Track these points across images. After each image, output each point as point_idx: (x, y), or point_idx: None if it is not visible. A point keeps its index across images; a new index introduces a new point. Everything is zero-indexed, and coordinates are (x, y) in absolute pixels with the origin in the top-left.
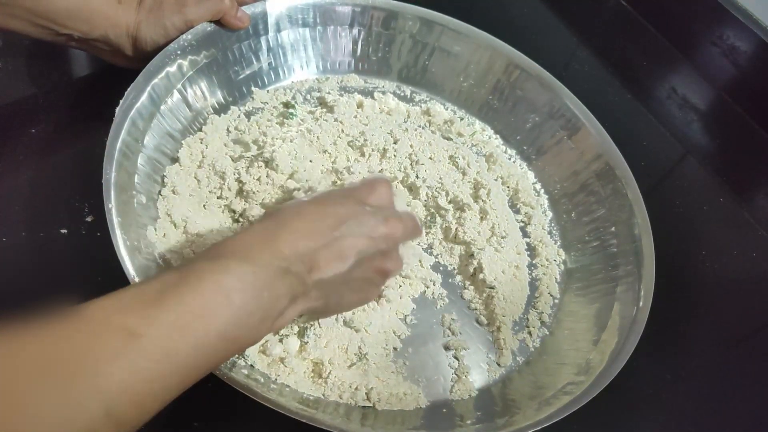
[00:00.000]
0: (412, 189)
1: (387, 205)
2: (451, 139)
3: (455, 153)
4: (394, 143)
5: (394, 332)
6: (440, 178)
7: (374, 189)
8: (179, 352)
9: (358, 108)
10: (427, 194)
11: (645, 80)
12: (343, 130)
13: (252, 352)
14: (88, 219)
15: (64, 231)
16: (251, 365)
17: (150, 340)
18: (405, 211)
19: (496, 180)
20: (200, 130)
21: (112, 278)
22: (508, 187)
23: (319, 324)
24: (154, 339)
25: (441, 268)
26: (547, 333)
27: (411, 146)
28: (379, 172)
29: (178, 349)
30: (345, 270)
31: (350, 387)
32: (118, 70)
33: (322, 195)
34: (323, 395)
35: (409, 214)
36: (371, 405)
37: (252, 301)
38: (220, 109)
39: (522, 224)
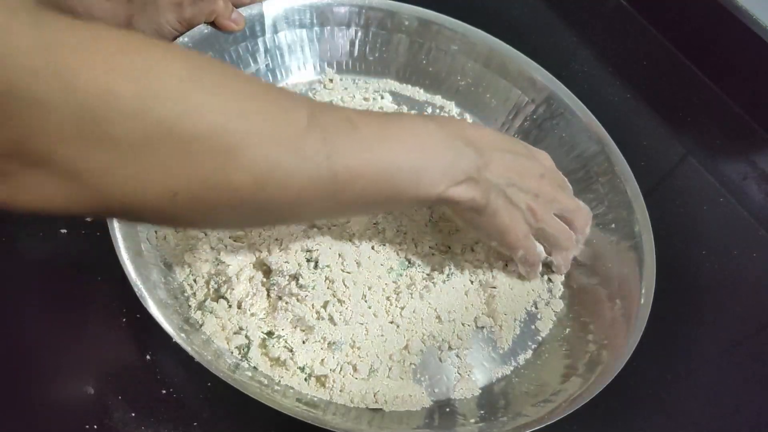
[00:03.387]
0: None
1: (550, 172)
2: None
3: None
4: None
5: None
6: None
7: (544, 155)
8: (381, 155)
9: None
10: None
11: (645, 80)
12: None
13: (255, 354)
14: (88, 219)
15: (63, 231)
16: (254, 367)
17: (363, 132)
18: (570, 195)
19: None
20: None
21: (112, 279)
22: None
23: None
24: (366, 133)
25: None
26: (548, 332)
27: None
28: None
29: (380, 153)
30: (507, 180)
31: (358, 391)
32: None
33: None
34: (330, 398)
35: (575, 199)
36: (379, 407)
37: (440, 155)
38: None
39: None
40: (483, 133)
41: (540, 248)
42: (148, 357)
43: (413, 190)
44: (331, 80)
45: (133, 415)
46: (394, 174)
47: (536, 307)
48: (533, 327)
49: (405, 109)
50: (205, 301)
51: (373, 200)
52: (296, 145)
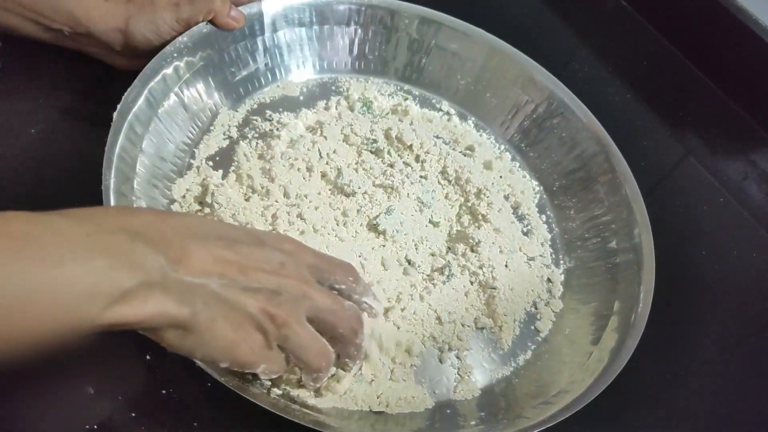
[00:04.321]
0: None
1: (295, 258)
2: (447, 143)
3: (452, 155)
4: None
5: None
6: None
7: (282, 237)
8: None
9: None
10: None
11: (645, 80)
12: (352, 130)
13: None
14: None
15: None
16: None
17: None
18: (329, 291)
19: (493, 182)
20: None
21: None
22: (509, 185)
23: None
24: None
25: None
26: (548, 332)
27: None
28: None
29: None
30: (220, 278)
31: (361, 393)
32: (116, 73)
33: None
34: (332, 401)
35: (336, 298)
36: (382, 410)
37: (76, 266)
38: (222, 109)
39: (520, 223)
40: (171, 221)
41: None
42: (148, 357)
43: (36, 330)
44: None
45: (133, 415)
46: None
47: (536, 308)
48: (533, 328)
49: (412, 104)
50: None
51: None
52: None
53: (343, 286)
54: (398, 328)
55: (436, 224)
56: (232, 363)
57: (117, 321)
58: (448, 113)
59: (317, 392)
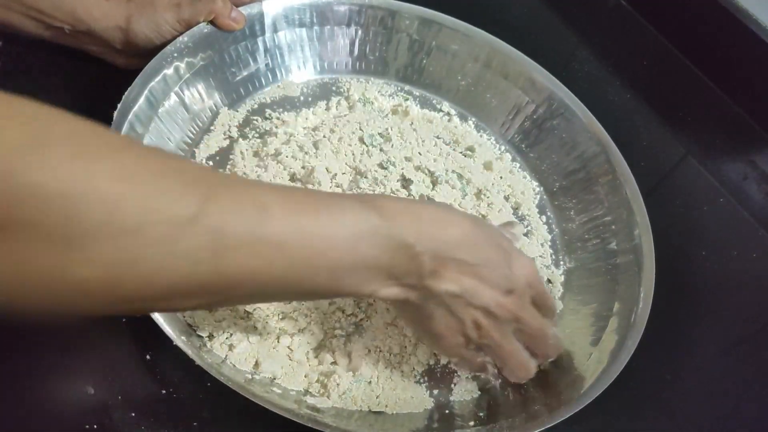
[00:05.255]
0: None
1: (524, 287)
2: (447, 143)
3: (452, 155)
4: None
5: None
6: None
7: (524, 263)
8: (293, 253)
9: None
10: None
11: (645, 80)
12: (360, 127)
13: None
14: None
15: None
16: (254, 369)
17: (277, 221)
18: (540, 317)
19: (493, 182)
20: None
21: None
22: (509, 186)
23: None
24: (279, 224)
25: None
26: None
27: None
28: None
29: (293, 250)
30: (453, 292)
31: (360, 393)
32: (116, 72)
33: (482, 221)
34: (331, 400)
35: (544, 323)
36: (381, 411)
37: (372, 259)
38: (222, 109)
39: (521, 224)
40: (446, 235)
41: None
42: (148, 357)
43: (332, 289)
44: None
45: (133, 415)
46: (305, 276)
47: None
48: None
49: (411, 104)
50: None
51: (278, 294)
52: (170, 239)
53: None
54: (404, 336)
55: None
56: (431, 345)
57: (380, 297)
58: (448, 114)
59: None
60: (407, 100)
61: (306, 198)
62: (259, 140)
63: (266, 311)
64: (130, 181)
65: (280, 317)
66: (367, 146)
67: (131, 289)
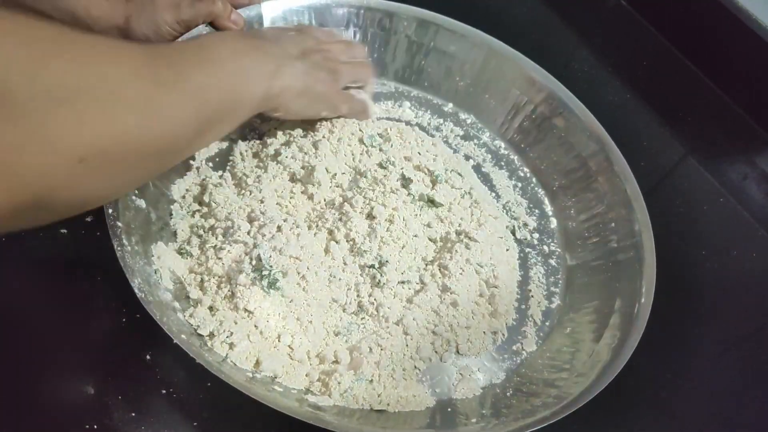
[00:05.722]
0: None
1: (304, 32)
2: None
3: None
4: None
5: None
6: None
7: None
8: (214, 69)
9: None
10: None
11: (645, 80)
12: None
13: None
14: (88, 219)
15: (64, 231)
16: (255, 368)
17: (193, 56)
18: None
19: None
20: None
21: (112, 278)
22: (513, 180)
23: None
24: (197, 59)
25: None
26: (549, 331)
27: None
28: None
29: (217, 67)
30: (300, 48)
31: (362, 392)
32: None
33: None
34: (333, 399)
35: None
36: (383, 409)
37: (254, 57)
38: None
39: (521, 223)
40: (279, 32)
41: (356, 92)
42: (148, 357)
43: (249, 92)
44: None
45: (133, 415)
46: (233, 82)
47: (537, 307)
48: (534, 326)
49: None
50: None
51: (225, 109)
52: (153, 78)
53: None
54: (406, 335)
55: (434, 222)
56: (327, 108)
57: (274, 91)
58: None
59: None
60: (400, 107)
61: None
62: (258, 141)
63: (267, 311)
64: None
65: (281, 316)
66: (366, 146)
67: (156, 133)
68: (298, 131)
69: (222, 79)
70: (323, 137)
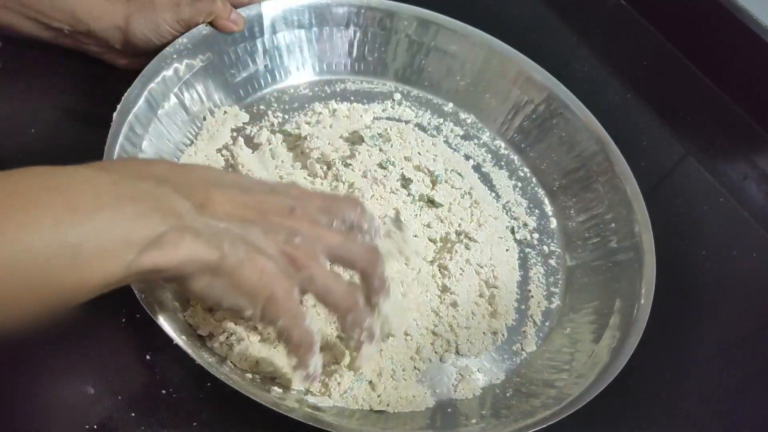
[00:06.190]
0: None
1: (302, 201)
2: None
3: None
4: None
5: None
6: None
7: (287, 184)
8: (4, 233)
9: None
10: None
11: (645, 80)
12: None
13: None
14: None
15: None
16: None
17: None
18: (337, 230)
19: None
20: (198, 134)
21: None
22: (513, 180)
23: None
24: None
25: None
26: (549, 331)
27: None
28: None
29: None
30: (241, 222)
31: (362, 392)
32: (116, 73)
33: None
34: (332, 399)
35: (368, 245)
36: (382, 410)
37: (112, 207)
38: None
39: (521, 223)
40: (190, 169)
41: (310, 321)
42: (148, 357)
43: (75, 277)
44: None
45: (133, 415)
46: (29, 266)
47: (537, 307)
48: (534, 327)
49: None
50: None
51: (11, 309)
52: None
53: (353, 221)
54: (406, 335)
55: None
56: (253, 307)
57: (150, 267)
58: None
59: (350, 365)
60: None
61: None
62: (258, 142)
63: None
64: None
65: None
66: (368, 146)
67: None
68: (299, 132)
69: (6, 267)
70: (320, 136)
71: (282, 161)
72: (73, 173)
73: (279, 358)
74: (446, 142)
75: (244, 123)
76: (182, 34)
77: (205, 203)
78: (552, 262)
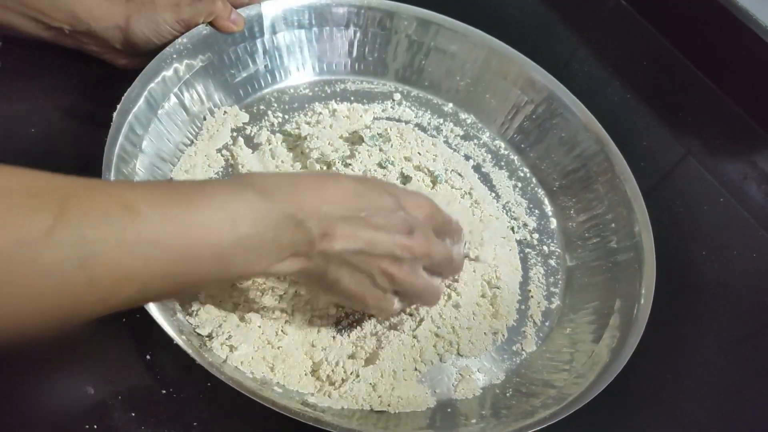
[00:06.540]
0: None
1: (424, 222)
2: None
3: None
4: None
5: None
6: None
7: (418, 202)
8: (170, 246)
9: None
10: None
11: (645, 80)
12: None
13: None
14: None
15: None
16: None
17: (145, 219)
18: (446, 246)
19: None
20: (198, 134)
21: None
22: (513, 181)
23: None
24: (149, 221)
25: None
26: (549, 331)
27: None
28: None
29: (169, 243)
30: (351, 249)
31: (362, 392)
32: (116, 73)
33: (365, 178)
34: (333, 399)
35: (450, 251)
36: (383, 410)
37: (255, 236)
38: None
39: (521, 223)
40: (327, 197)
41: (398, 304)
42: (148, 357)
43: (220, 275)
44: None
45: (133, 415)
46: (189, 267)
47: (537, 307)
48: (534, 327)
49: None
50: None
51: (165, 291)
52: (28, 258)
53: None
54: (414, 337)
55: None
56: (351, 305)
57: (277, 272)
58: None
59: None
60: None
61: (174, 189)
62: (258, 142)
63: (268, 310)
64: None
65: (282, 315)
66: (368, 146)
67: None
68: (298, 132)
69: (170, 265)
70: (319, 135)
71: (282, 161)
72: (240, 196)
73: (280, 357)
74: (446, 142)
75: (244, 123)
76: (182, 34)
77: (328, 234)
78: (552, 262)
